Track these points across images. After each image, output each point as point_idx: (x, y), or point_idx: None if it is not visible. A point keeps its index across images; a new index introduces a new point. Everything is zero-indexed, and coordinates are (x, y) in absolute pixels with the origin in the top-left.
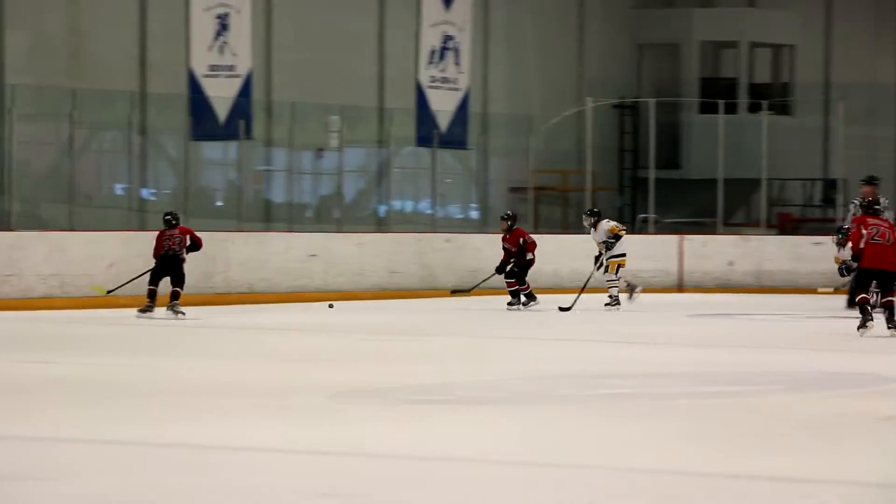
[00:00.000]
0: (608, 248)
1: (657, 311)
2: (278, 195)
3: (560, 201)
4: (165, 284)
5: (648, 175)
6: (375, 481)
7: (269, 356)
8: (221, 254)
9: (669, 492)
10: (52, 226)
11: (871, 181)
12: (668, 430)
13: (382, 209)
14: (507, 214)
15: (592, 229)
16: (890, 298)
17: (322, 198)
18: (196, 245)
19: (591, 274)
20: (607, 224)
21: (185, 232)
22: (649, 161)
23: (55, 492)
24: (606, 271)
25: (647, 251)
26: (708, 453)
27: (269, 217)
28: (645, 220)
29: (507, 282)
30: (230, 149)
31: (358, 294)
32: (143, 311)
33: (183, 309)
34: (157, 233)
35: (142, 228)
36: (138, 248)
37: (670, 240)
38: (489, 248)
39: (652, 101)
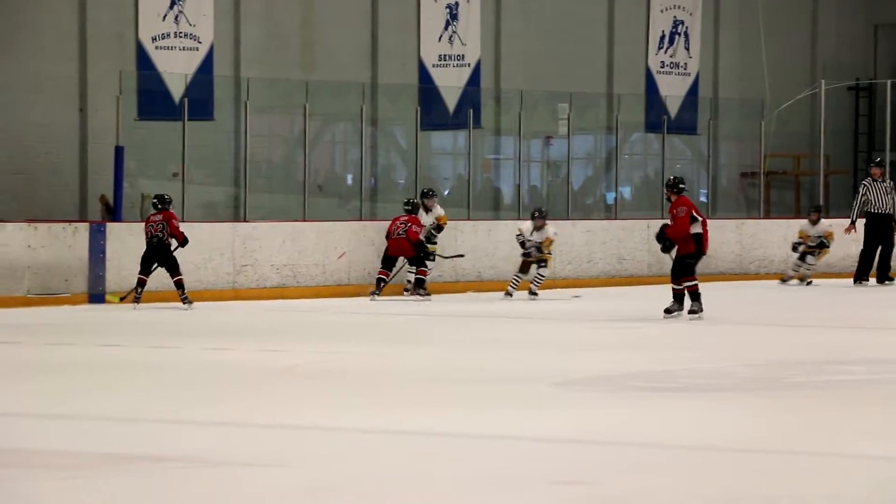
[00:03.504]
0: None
1: (888, 295)
2: (507, 183)
3: (793, 186)
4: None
5: (885, 158)
6: (603, 468)
7: (497, 343)
8: (450, 242)
9: None
10: (285, 216)
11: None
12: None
13: (611, 196)
14: None
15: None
16: None
17: (550, 185)
18: (178, 239)
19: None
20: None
21: (167, 218)
22: (885, 143)
23: (287, 479)
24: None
25: None
26: None
27: (497, 205)
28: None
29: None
30: (459, 138)
31: (586, 281)
32: (123, 299)
33: (190, 298)
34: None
35: (373, 218)
36: (370, 238)
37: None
38: (715, 232)
39: (888, 81)
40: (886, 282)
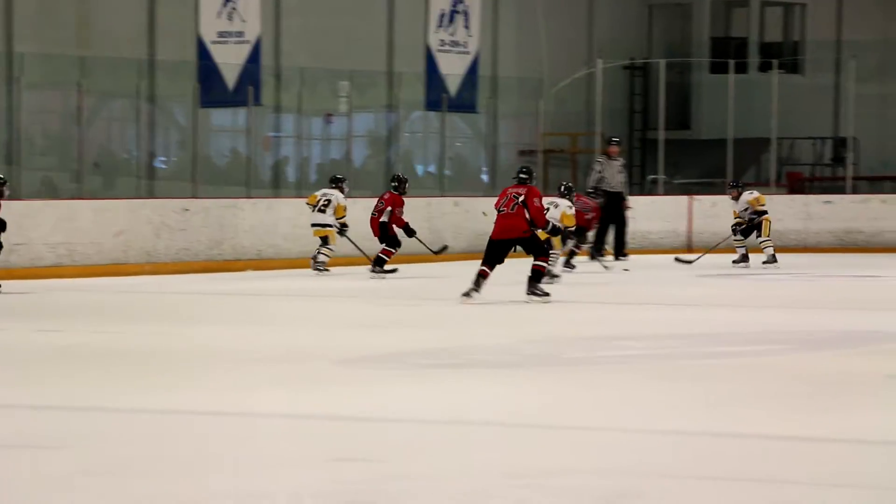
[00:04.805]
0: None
1: (666, 272)
2: (287, 161)
3: (569, 164)
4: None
5: (658, 136)
6: (388, 446)
7: (277, 322)
8: (230, 221)
9: (696, 453)
10: (60, 194)
11: None
12: (683, 391)
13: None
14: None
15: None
16: None
17: (331, 163)
18: None
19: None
20: (749, 195)
21: None
22: (659, 122)
23: (56, 459)
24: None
25: (655, 212)
26: (730, 413)
27: (278, 184)
28: (654, 181)
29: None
30: (239, 115)
31: (367, 260)
32: None
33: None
34: None
35: (150, 196)
36: (147, 216)
37: (679, 200)
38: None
39: (662, 61)
40: (621, 257)
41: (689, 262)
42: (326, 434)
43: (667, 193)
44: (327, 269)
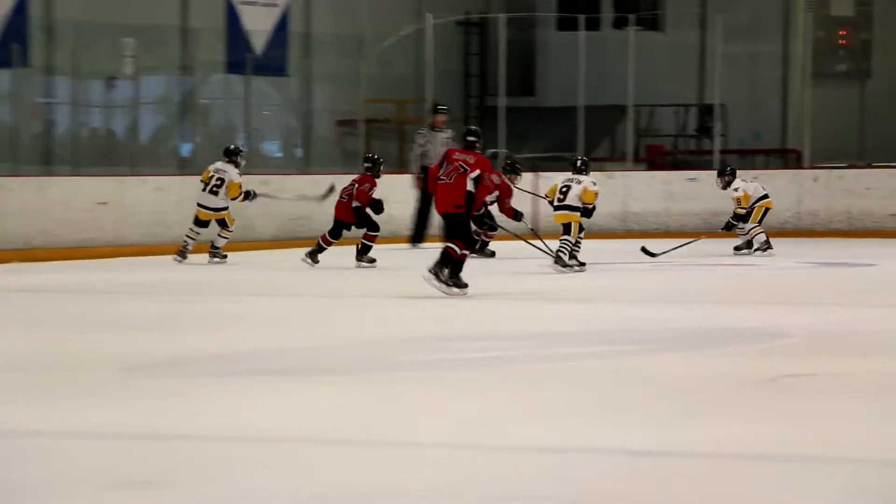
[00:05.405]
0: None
1: (506, 262)
2: (61, 132)
3: (396, 135)
4: None
5: (498, 103)
6: (181, 468)
7: (49, 322)
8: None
9: (509, 469)
10: None
11: None
12: (519, 400)
13: (186, 148)
14: None
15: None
16: None
17: (115, 135)
18: None
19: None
20: (735, 192)
21: None
22: (499, 87)
23: None
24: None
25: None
26: (564, 425)
27: (50, 159)
28: (495, 156)
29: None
30: (2, 78)
31: (158, 248)
32: None
33: None
34: None
35: None
36: None
37: (524, 178)
38: (313, 191)
39: (502, 16)
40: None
41: (655, 255)
42: (106, 455)
43: None
44: (224, 257)
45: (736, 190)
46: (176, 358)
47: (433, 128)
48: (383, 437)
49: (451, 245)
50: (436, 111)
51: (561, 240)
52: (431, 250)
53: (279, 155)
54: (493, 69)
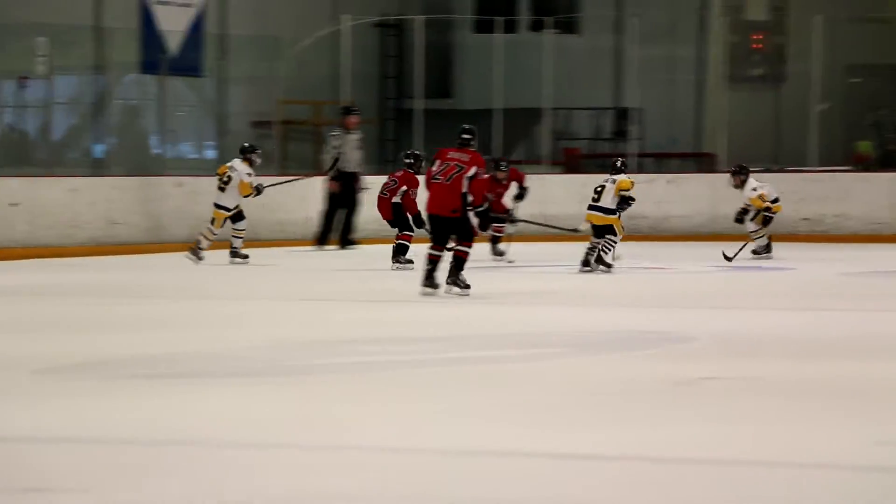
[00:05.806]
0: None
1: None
2: None
3: (311, 137)
4: None
5: (415, 105)
6: (93, 473)
7: None
8: None
9: (415, 477)
10: None
11: None
12: (430, 402)
13: (100, 148)
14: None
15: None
16: None
17: (27, 135)
18: None
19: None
20: (753, 193)
21: None
22: (416, 89)
23: None
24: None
25: None
26: (474, 429)
27: None
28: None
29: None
30: None
31: (71, 249)
32: None
33: None
34: None
35: None
36: None
37: None
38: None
39: (419, 18)
40: (349, 247)
41: (730, 258)
42: (14, 461)
43: (426, 173)
44: (246, 256)
45: (754, 189)
46: (90, 360)
47: (346, 130)
48: (304, 440)
49: (461, 249)
50: (348, 112)
51: (604, 239)
52: (332, 251)
53: (194, 156)
54: (409, 71)
